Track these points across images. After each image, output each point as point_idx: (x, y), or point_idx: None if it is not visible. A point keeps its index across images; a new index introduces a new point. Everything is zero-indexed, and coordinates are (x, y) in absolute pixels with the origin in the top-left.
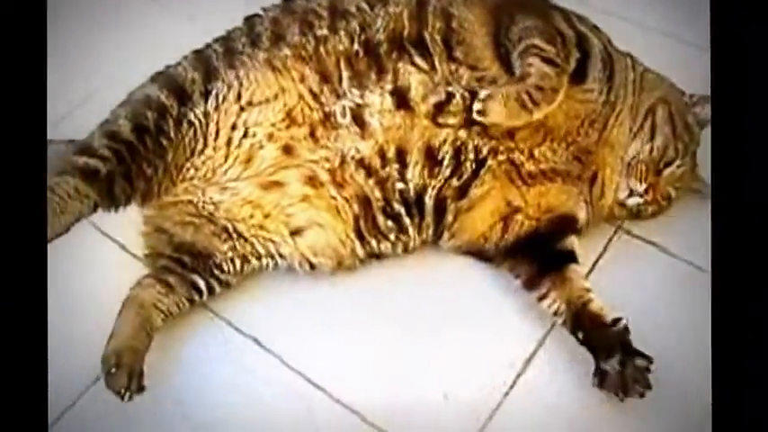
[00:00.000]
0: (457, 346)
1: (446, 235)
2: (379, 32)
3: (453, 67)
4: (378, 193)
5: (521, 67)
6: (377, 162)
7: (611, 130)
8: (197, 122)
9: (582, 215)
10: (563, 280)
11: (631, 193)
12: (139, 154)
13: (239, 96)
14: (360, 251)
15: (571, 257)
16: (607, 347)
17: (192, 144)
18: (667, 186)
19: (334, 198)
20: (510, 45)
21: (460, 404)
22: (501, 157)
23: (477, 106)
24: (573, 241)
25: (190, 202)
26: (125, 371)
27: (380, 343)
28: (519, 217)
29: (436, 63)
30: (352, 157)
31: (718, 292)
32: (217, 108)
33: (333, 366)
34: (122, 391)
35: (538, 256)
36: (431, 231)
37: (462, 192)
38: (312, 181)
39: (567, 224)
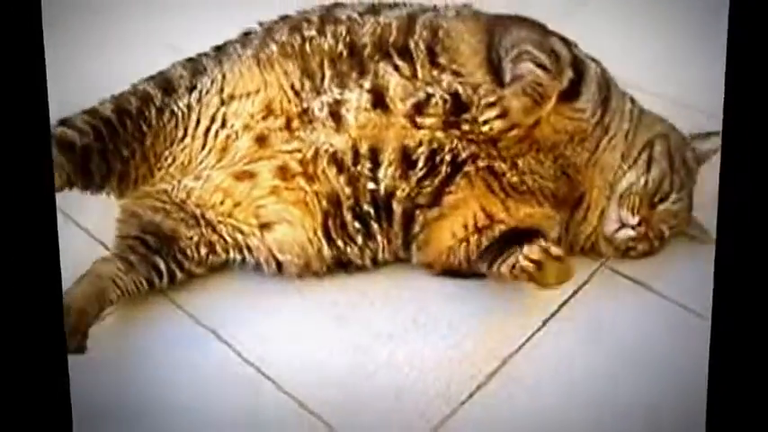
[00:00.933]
0: (418, 351)
1: (414, 247)
2: (364, 37)
3: (435, 72)
4: (348, 191)
5: (512, 71)
6: (349, 158)
7: (602, 152)
8: (179, 113)
9: (554, 238)
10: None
11: (622, 226)
12: (118, 134)
13: (222, 90)
14: (327, 252)
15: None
16: None
17: (173, 134)
18: (661, 224)
19: (303, 191)
20: (502, 51)
21: (412, 406)
22: (480, 164)
23: (494, 112)
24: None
25: (164, 190)
26: (66, 327)
27: (343, 345)
28: (499, 227)
29: (418, 68)
30: (326, 151)
31: (716, 338)
32: (199, 100)
33: (288, 361)
34: None
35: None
36: (399, 241)
37: (434, 198)
38: (283, 172)
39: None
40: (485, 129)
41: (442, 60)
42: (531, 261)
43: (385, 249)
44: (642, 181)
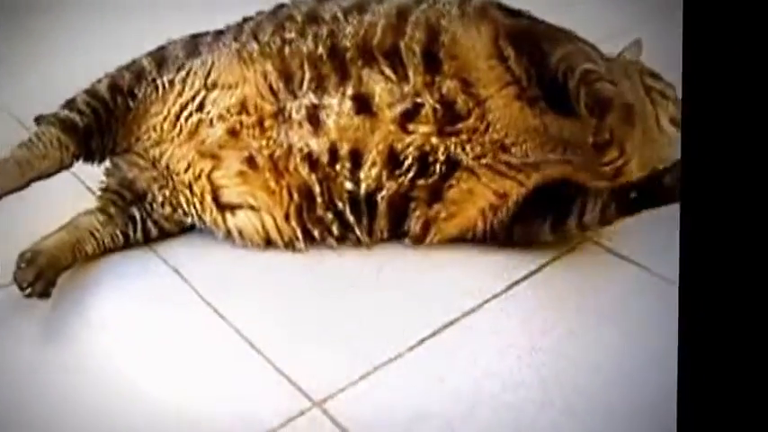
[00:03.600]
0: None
1: (408, 242)
2: (346, 39)
3: (437, 78)
4: (318, 188)
5: (587, 95)
6: (325, 158)
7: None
8: (161, 87)
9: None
10: None
11: None
12: (112, 112)
13: (208, 75)
14: (300, 245)
15: None
16: None
17: (151, 108)
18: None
19: (272, 182)
20: (550, 69)
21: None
22: (485, 161)
23: (613, 153)
24: None
25: (144, 148)
26: (34, 269)
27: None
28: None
29: (410, 73)
30: (300, 150)
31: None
32: (184, 80)
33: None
34: (24, 285)
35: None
36: (386, 235)
37: (434, 194)
38: (251, 164)
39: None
40: (606, 170)
41: (446, 68)
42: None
43: (367, 240)
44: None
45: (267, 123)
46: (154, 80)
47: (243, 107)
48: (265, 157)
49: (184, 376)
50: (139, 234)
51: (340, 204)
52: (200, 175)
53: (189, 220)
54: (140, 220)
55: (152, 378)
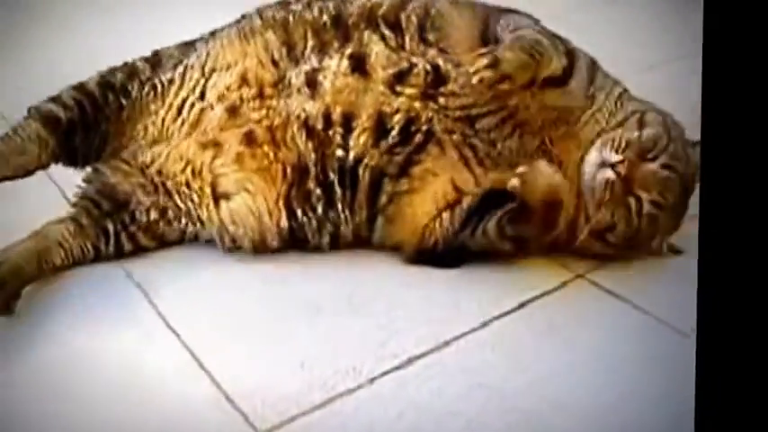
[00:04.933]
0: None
1: (380, 221)
2: (352, 8)
3: (422, 48)
4: (314, 157)
5: (510, 36)
6: (320, 123)
7: (583, 125)
8: (160, 86)
9: None
10: None
11: (601, 166)
12: (100, 108)
13: (204, 64)
14: (284, 224)
15: None
16: None
17: (150, 106)
18: (643, 189)
19: (268, 159)
20: (500, 30)
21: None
22: (455, 138)
23: (486, 60)
24: None
25: (131, 154)
26: None
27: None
28: (467, 199)
29: (407, 40)
30: (297, 117)
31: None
32: (183, 75)
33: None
34: None
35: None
36: (363, 214)
37: (403, 168)
38: (249, 140)
39: None
40: (475, 79)
41: (430, 37)
42: (519, 175)
43: (348, 222)
44: (635, 135)
45: (267, 92)
46: (150, 79)
47: (243, 80)
48: (264, 128)
49: (134, 399)
50: (111, 248)
51: (331, 175)
52: (201, 170)
53: (175, 225)
54: (113, 234)
55: (104, 400)
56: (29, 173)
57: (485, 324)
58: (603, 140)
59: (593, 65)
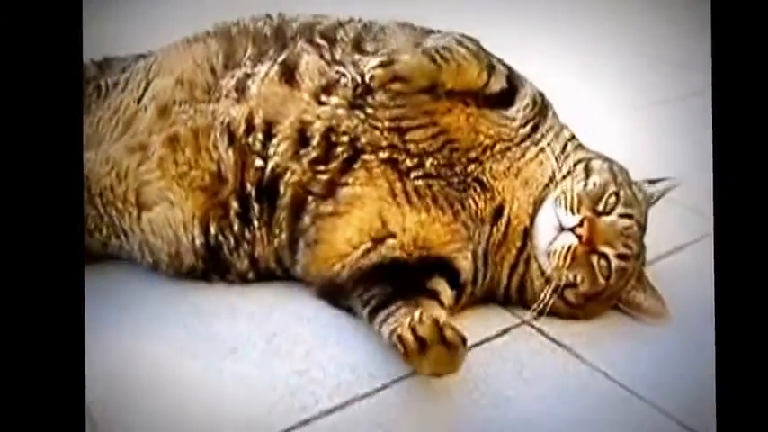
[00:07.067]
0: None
1: (301, 246)
2: (292, 22)
3: (357, 56)
4: (233, 165)
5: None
6: (242, 128)
7: (527, 162)
8: (104, 88)
9: (465, 267)
10: (417, 305)
11: (560, 232)
12: None
13: (150, 70)
14: (199, 239)
15: (436, 298)
16: None
17: (91, 107)
18: (606, 245)
19: (188, 165)
20: (430, 42)
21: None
22: (382, 155)
23: (379, 59)
24: (443, 286)
25: None
26: None
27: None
28: (391, 242)
29: (337, 51)
30: (221, 121)
31: None
32: (128, 79)
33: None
34: None
35: (398, 283)
36: (284, 236)
37: (329, 188)
38: (172, 142)
39: (442, 269)
40: (367, 78)
41: (369, 48)
42: (416, 337)
43: (264, 242)
44: (581, 185)
45: (198, 96)
46: (95, 79)
47: (178, 82)
48: (188, 129)
49: None
50: None
51: (248, 186)
52: (126, 174)
53: (96, 236)
54: None
55: None
56: None
57: (411, 374)
58: (555, 198)
59: (544, 100)
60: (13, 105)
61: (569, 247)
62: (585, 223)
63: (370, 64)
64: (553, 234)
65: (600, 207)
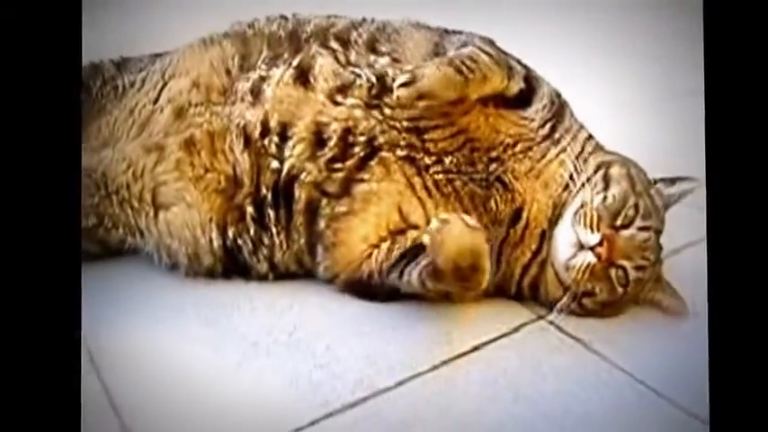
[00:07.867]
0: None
1: (320, 249)
2: (307, 24)
3: (372, 57)
4: (249, 168)
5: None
6: (258, 131)
7: (547, 163)
8: (121, 88)
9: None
10: None
11: (579, 249)
12: None
13: (166, 70)
14: (217, 241)
15: None
16: None
17: (107, 106)
18: (625, 258)
19: (204, 168)
20: (448, 44)
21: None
22: (400, 153)
23: (403, 78)
24: None
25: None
26: None
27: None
28: (413, 234)
29: (352, 53)
30: (237, 124)
31: None
32: (144, 79)
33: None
34: None
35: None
36: (302, 240)
37: (344, 187)
38: (189, 146)
39: None
40: (394, 97)
41: (383, 48)
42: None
43: (283, 248)
44: (600, 197)
45: (214, 98)
46: (113, 79)
47: (194, 85)
48: (204, 132)
49: None
50: None
51: (264, 190)
52: (142, 173)
53: (113, 234)
54: None
55: None
56: None
57: (434, 368)
58: (575, 214)
59: (561, 99)
60: (13, 105)
61: (588, 264)
62: (605, 243)
63: (396, 82)
64: (572, 251)
65: (619, 222)
